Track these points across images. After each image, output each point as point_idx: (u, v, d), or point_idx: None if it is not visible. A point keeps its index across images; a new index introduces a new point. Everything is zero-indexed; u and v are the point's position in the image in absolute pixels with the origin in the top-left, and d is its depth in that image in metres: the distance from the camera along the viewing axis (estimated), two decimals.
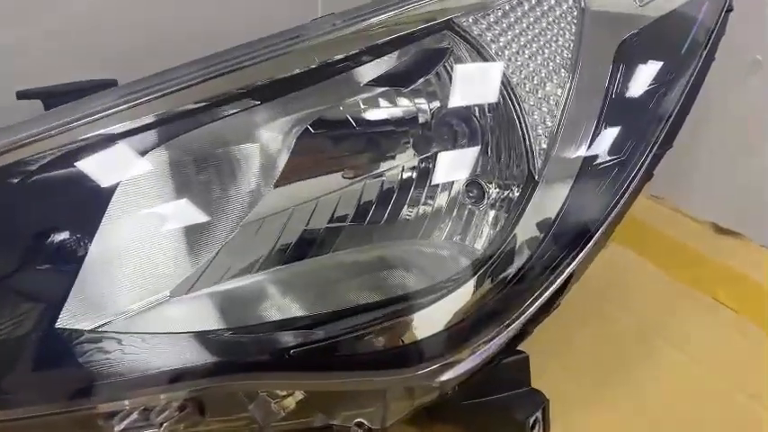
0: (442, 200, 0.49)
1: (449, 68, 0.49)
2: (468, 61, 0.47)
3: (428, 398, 0.46)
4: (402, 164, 0.50)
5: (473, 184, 0.50)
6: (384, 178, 0.50)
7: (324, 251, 0.48)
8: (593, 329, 0.62)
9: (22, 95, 0.57)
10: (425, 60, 0.49)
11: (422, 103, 0.50)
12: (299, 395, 0.42)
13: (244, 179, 0.48)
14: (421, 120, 0.50)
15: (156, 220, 0.46)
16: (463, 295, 0.43)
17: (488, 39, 0.46)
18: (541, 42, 0.47)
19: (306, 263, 0.49)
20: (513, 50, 0.47)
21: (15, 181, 0.42)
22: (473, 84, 0.50)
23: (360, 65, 0.47)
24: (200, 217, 0.46)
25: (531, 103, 0.46)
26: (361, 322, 0.42)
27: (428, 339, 0.40)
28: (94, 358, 0.44)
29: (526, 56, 0.47)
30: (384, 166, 0.50)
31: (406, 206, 0.49)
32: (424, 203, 0.49)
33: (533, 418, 0.48)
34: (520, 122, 0.46)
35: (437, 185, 0.49)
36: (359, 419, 0.43)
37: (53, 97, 0.54)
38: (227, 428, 0.45)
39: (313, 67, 0.46)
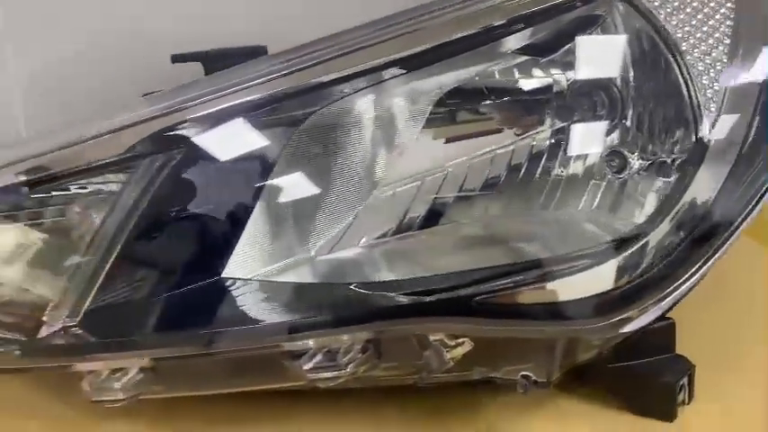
0: (577, 170, 0.51)
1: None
2: (631, 25, 0.49)
3: (587, 355, 0.47)
4: (535, 134, 0.51)
5: (615, 153, 0.52)
6: (515, 148, 0.51)
7: (455, 220, 0.51)
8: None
9: (177, 59, 0.59)
10: (572, 29, 0.50)
11: (558, 72, 0.52)
12: (468, 347, 0.44)
13: (380, 147, 0.50)
14: (557, 89, 0.51)
15: (306, 183, 0.48)
16: (632, 257, 0.45)
17: (657, 3, 0.48)
18: (706, 10, 0.49)
19: (440, 229, 0.51)
20: (682, 17, 0.48)
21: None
22: (614, 53, 0.51)
23: (505, 35, 0.49)
24: (341, 182, 0.49)
25: (701, 68, 0.47)
26: (538, 275, 0.44)
27: (608, 293, 0.42)
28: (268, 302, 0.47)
29: (694, 22, 0.48)
30: (516, 135, 0.51)
31: (538, 176, 0.51)
32: (559, 173, 0.51)
33: (681, 382, 0.49)
34: (687, 89, 0.47)
35: (572, 156, 0.51)
36: (525, 372, 0.45)
37: (212, 61, 0.56)
38: (391, 377, 0.47)
39: (457, 36, 0.48)
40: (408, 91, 0.49)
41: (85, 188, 0.50)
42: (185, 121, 0.45)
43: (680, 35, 0.47)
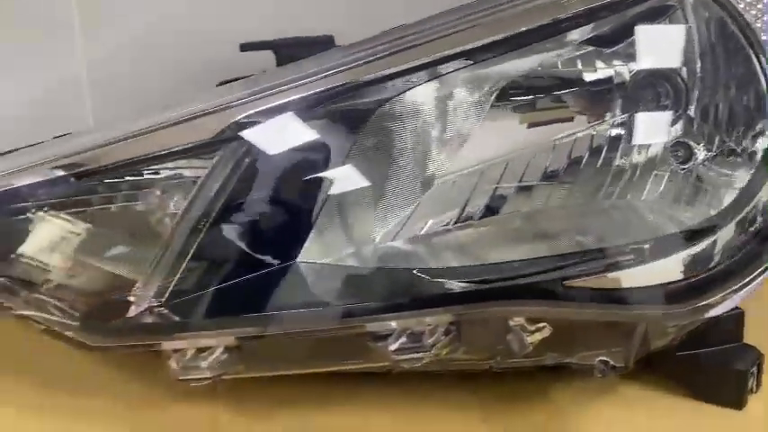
0: (640, 160, 0.51)
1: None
2: (702, 15, 0.49)
3: (662, 342, 0.48)
4: (596, 124, 0.52)
5: (680, 144, 0.52)
6: (576, 138, 0.52)
7: (516, 210, 0.51)
8: None
9: (246, 47, 0.60)
10: (640, 19, 0.51)
11: (621, 64, 0.52)
12: (547, 332, 0.45)
13: (443, 137, 0.51)
14: (620, 80, 0.52)
15: (375, 171, 0.49)
16: (713, 245, 0.46)
17: None
18: None
19: (501, 218, 0.52)
20: (760, 7, 0.48)
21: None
22: (676, 43, 0.52)
23: (571, 28, 0.50)
24: (406, 171, 0.50)
25: None
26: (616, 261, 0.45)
27: (690, 281, 0.43)
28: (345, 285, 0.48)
29: None
30: (578, 126, 0.52)
31: (599, 166, 0.51)
32: (621, 164, 0.51)
33: (751, 370, 0.50)
34: (766, 78, 0.47)
35: (635, 146, 0.51)
36: (603, 358, 0.46)
37: (284, 49, 0.57)
38: (468, 361, 0.48)
39: (524, 29, 0.48)
40: (472, 81, 0.50)
41: (158, 173, 0.52)
42: (268, 110, 0.47)
43: (759, 25, 0.48)
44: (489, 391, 0.51)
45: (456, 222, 0.50)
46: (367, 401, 0.51)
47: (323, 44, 0.59)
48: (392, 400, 0.51)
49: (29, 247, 0.50)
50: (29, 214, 0.50)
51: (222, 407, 0.49)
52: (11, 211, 0.50)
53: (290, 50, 0.57)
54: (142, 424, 0.48)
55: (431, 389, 0.51)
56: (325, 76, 0.46)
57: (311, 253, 0.49)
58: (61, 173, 0.49)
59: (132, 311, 0.45)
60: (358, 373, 0.51)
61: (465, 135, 0.50)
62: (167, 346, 0.45)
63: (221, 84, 0.57)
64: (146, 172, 0.51)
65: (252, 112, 0.46)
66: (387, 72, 0.46)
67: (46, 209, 0.49)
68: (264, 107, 0.46)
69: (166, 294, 0.46)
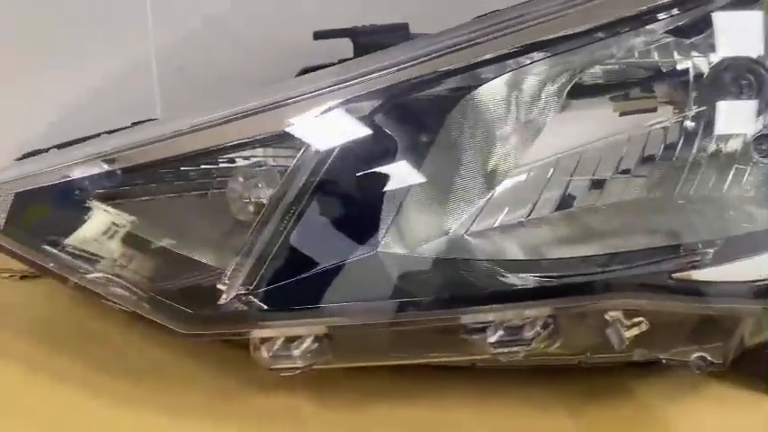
0: (719, 153, 0.50)
1: None
2: None
3: (756, 340, 0.47)
4: (674, 116, 0.51)
5: (763, 138, 0.51)
6: (651, 131, 0.51)
7: (590, 203, 0.50)
8: None
9: (320, 35, 0.59)
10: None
11: (700, 55, 0.51)
12: (644, 326, 0.44)
13: (519, 127, 0.50)
14: (698, 71, 0.51)
15: (455, 162, 0.49)
16: None
17: None
18: None
19: (575, 211, 0.51)
20: None
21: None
22: (758, 32, 0.50)
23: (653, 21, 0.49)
24: (483, 162, 0.49)
25: None
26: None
27: None
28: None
29: None
30: (652, 119, 0.51)
31: (675, 159, 0.50)
32: (698, 157, 0.50)
33: None
34: None
35: (713, 139, 0.50)
36: (700, 354, 0.45)
37: (361, 37, 0.56)
38: (560, 355, 0.47)
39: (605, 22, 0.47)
40: (549, 72, 0.49)
41: (234, 162, 0.52)
42: (355, 98, 0.46)
43: None
44: (572, 387, 0.50)
45: (529, 215, 0.50)
46: (449, 396, 0.50)
47: (398, 31, 0.59)
48: (475, 394, 0.50)
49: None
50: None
51: (304, 399, 0.48)
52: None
53: (366, 38, 0.57)
54: (225, 415, 0.47)
55: (513, 384, 0.50)
56: (413, 65, 0.45)
57: (390, 243, 0.49)
58: (143, 161, 0.49)
59: (222, 299, 0.44)
60: (439, 367, 0.51)
61: (542, 126, 0.50)
62: (257, 334, 0.44)
63: (304, 71, 0.56)
64: (221, 161, 0.51)
65: (340, 100, 0.46)
66: (475, 60, 0.46)
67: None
68: (352, 95, 0.46)
69: (255, 282, 0.45)
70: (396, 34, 0.58)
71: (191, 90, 0.65)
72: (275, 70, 0.65)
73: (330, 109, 0.46)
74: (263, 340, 0.45)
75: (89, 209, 0.50)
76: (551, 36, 0.45)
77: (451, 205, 0.49)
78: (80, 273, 0.49)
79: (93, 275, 0.47)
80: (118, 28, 0.64)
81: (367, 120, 0.46)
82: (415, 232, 0.49)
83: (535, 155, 0.50)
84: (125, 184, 0.50)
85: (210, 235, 0.51)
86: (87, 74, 0.65)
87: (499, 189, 0.49)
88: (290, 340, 0.45)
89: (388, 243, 0.48)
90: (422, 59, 0.45)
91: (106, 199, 0.50)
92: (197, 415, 0.47)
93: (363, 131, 0.46)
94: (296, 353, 0.43)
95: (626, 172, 0.50)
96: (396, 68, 0.45)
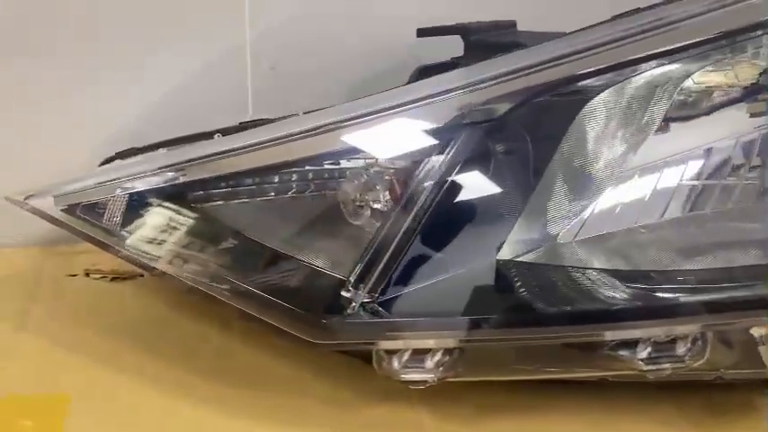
0: None
1: None
2: None
3: None
4: None
5: None
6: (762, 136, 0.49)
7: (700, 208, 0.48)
8: None
9: (423, 33, 0.57)
10: None
11: None
12: None
13: (626, 134, 0.48)
14: None
15: (575, 168, 0.47)
16: None
17: None
18: None
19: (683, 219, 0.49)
20: None
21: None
22: None
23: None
24: (594, 167, 0.47)
25: None
26: None
27: None
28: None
29: None
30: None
31: None
32: None
33: None
34: None
35: None
36: None
37: (469, 34, 0.54)
38: (696, 371, 0.45)
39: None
40: (659, 80, 0.47)
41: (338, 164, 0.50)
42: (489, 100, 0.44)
43: None
44: (695, 401, 0.48)
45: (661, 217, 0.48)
46: (569, 410, 0.48)
47: (507, 28, 0.57)
48: (597, 408, 0.47)
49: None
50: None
51: (426, 411, 0.47)
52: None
53: (477, 36, 0.55)
54: (348, 425, 0.45)
55: (636, 398, 0.48)
56: (553, 66, 0.43)
57: (508, 250, 0.47)
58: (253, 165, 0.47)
59: (350, 309, 0.43)
60: (558, 381, 0.49)
61: (646, 133, 0.48)
62: (384, 346, 0.43)
63: (420, 70, 0.55)
64: (326, 164, 0.49)
65: (472, 103, 0.44)
66: (616, 62, 0.44)
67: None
68: (487, 98, 0.44)
69: (380, 290, 0.44)
70: (505, 31, 0.56)
71: (282, 89, 0.63)
72: (369, 69, 0.65)
73: (461, 113, 0.44)
74: (390, 351, 0.43)
75: (197, 210, 0.49)
76: (697, 39, 0.43)
77: (561, 211, 0.48)
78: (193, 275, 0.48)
79: (206, 279, 0.46)
80: (214, 24, 0.62)
81: (498, 125, 0.45)
82: (527, 238, 0.47)
83: (645, 158, 0.48)
84: (234, 186, 0.49)
85: (319, 238, 0.49)
86: (181, 70, 0.64)
87: (608, 194, 0.48)
88: (419, 351, 0.43)
89: (506, 250, 0.47)
90: (563, 61, 0.43)
91: (209, 200, 0.49)
92: (319, 423, 0.46)
93: (493, 137, 0.45)
94: (428, 365, 0.42)
95: (736, 177, 0.49)
96: (535, 70, 0.43)
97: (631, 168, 0.48)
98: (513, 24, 0.58)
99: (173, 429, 0.46)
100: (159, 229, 0.47)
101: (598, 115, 0.46)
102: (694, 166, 0.48)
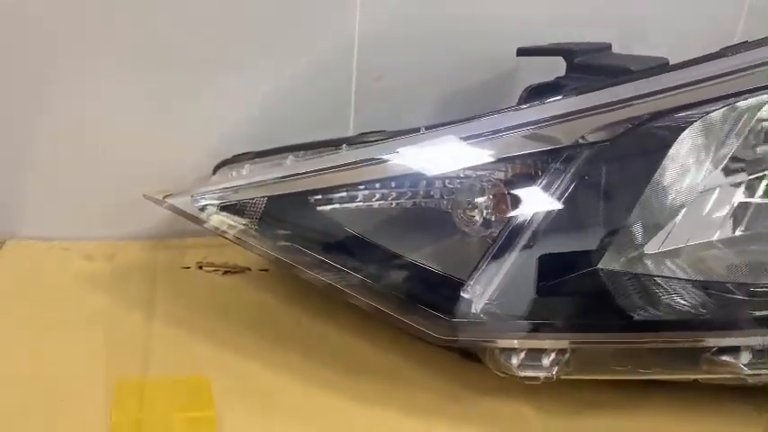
0: None
1: None
2: None
3: None
4: None
5: None
6: None
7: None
8: None
9: (523, 52, 0.61)
10: None
11: None
12: None
13: (709, 155, 0.51)
14: None
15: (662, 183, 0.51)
16: None
17: None
18: None
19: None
20: None
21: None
22: None
23: None
24: (683, 183, 0.51)
25: None
26: None
27: None
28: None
29: None
30: None
31: None
32: None
33: None
34: None
35: None
36: None
37: (572, 56, 0.58)
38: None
39: None
40: (742, 109, 0.50)
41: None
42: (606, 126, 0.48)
43: None
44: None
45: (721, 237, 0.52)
46: (661, 408, 0.51)
47: (604, 50, 0.60)
48: (687, 407, 0.51)
49: None
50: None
51: (527, 402, 0.51)
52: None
53: (580, 58, 0.58)
54: (457, 417, 0.50)
55: (713, 401, 0.51)
56: (671, 96, 0.47)
57: (607, 260, 0.51)
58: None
59: (473, 309, 0.47)
60: (652, 382, 0.53)
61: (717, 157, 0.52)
62: (502, 344, 0.47)
63: (529, 90, 0.59)
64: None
65: (593, 127, 0.48)
66: (730, 92, 0.47)
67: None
68: (604, 123, 0.48)
69: (496, 294, 0.48)
70: (603, 53, 0.60)
71: (384, 101, 0.67)
72: (467, 87, 0.69)
73: (576, 135, 0.48)
74: (506, 349, 0.48)
75: (320, 212, 0.54)
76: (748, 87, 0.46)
77: (651, 224, 0.52)
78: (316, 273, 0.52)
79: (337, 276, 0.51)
80: (323, 33, 0.66)
81: (605, 148, 0.49)
82: (623, 249, 0.51)
83: (722, 179, 0.52)
84: (353, 192, 0.54)
85: (438, 244, 0.54)
86: (287, 76, 0.67)
87: (689, 210, 0.52)
88: (534, 350, 0.47)
89: (606, 260, 0.51)
90: (681, 90, 0.47)
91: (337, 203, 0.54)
92: (432, 415, 0.50)
93: (604, 158, 0.49)
94: (545, 363, 0.46)
95: None
96: (647, 100, 0.47)
97: (711, 187, 0.52)
98: (608, 47, 0.62)
99: (307, 411, 0.50)
100: (289, 229, 0.52)
101: (690, 141, 0.50)
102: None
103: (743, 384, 0.49)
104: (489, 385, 0.52)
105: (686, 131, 0.50)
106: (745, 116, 0.50)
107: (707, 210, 0.53)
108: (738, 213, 0.54)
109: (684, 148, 0.51)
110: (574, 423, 0.50)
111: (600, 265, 0.50)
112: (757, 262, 0.53)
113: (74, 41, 0.63)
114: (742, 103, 0.49)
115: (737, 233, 0.54)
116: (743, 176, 0.54)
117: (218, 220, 0.52)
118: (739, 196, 0.54)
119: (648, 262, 0.53)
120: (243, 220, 0.52)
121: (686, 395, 0.52)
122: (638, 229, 0.52)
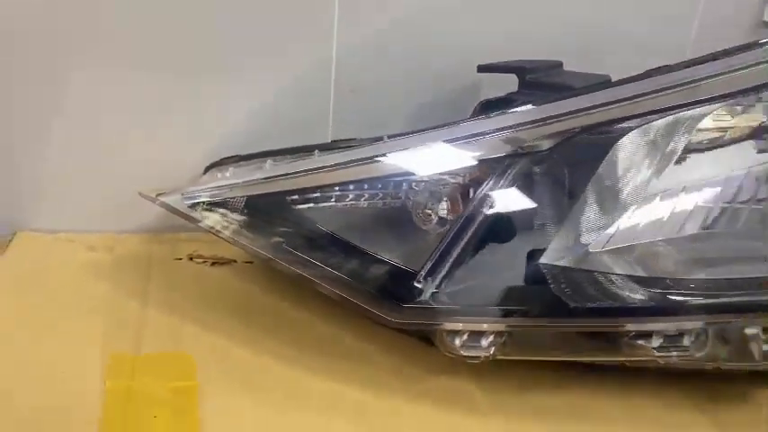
0: None
1: None
2: None
3: None
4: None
5: None
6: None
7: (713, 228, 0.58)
8: None
9: (483, 69, 0.68)
10: None
11: None
12: None
13: (652, 163, 0.57)
14: None
15: (603, 189, 0.57)
16: None
17: None
18: None
19: (701, 235, 0.59)
20: None
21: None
22: None
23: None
24: (622, 190, 0.57)
25: None
26: None
27: None
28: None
29: None
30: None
31: None
32: None
33: None
34: None
35: None
36: None
37: (524, 73, 0.64)
38: (697, 361, 0.54)
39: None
40: (681, 119, 0.56)
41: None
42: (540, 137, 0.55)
43: None
44: (697, 388, 0.59)
45: (677, 234, 0.58)
46: (594, 389, 0.58)
47: (555, 68, 0.67)
48: (617, 389, 0.58)
49: None
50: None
51: (474, 382, 0.58)
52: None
53: (531, 75, 0.65)
54: (413, 393, 0.56)
55: (650, 382, 0.58)
56: (595, 113, 0.54)
57: (549, 255, 0.57)
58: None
59: (424, 296, 0.53)
60: (586, 364, 0.59)
61: (667, 164, 0.58)
62: (448, 327, 0.54)
63: (483, 104, 0.65)
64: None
65: (525, 141, 0.55)
66: (649, 110, 0.54)
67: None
68: (538, 136, 0.54)
69: (445, 283, 0.55)
70: (553, 71, 0.66)
71: (360, 112, 0.75)
72: (434, 99, 0.76)
73: (516, 145, 0.55)
74: (452, 332, 0.54)
75: (296, 211, 0.61)
76: (715, 94, 0.53)
77: (593, 226, 0.58)
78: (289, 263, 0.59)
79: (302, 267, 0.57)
80: (305, 51, 0.73)
81: (545, 155, 0.55)
82: (564, 247, 0.58)
83: (666, 184, 0.58)
84: (326, 192, 0.61)
85: (395, 239, 0.60)
86: (269, 90, 0.75)
87: (633, 213, 0.58)
88: (475, 333, 0.54)
89: (547, 256, 0.57)
90: (604, 108, 0.53)
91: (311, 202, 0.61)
92: (388, 390, 0.56)
93: (542, 165, 0.55)
94: (483, 344, 0.53)
95: (744, 202, 0.58)
96: (581, 114, 0.54)
97: (654, 192, 0.58)
98: (560, 64, 0.68)
99: (278, 384, 0.56)
100: (267, 224, 0.59)
101: (628, 149, 0.56)
102: (708, 192, 0.58)
103: (665, 368, 0.56)
104: (441, 366, 0.59)
105: (623, 141, 0.56)
106: (685, 125, 0.57)
107: (650, 213, 0.59)
108: (677, 217, 0.61)
109: (622, 156, 0.57)
110: (514, 399, 0.57)
111: (542, 260, 0.57)
112: (689, 259, 0.59)
113: (88, 55, 0.71)
114: (681, 115, 0.56)
115: (678, 234, 0.61)
116: (686, 182, 0.61)
117: (203, 215, 0.59)
118: (682, 201, 0.60)
119: (595, 259, 0.59)
120: (227, 217, 0.59)
121: (616, 377, 0.59)
122: (579, 229, 0.59)
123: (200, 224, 0.60)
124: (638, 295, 0.55)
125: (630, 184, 0.58)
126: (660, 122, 0.56)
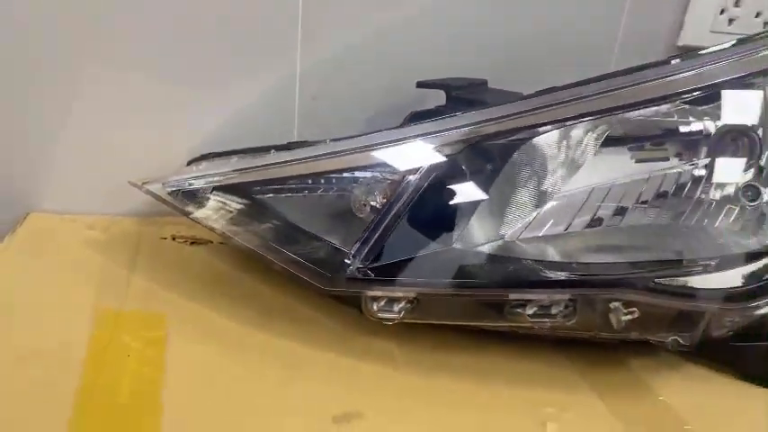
0: (716, 196, 0.69)
1: None
2: None
3: (719, 332, 0.66)
4: (685, 164, 0.69)
5: (750, 186, 0.69)
6: (667, 174, 0.70)
7: (613, 224, 0.70)
8: None
9: (421, 85, 0.80)
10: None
11: (708, 119, 0.69)
12: (636, 314, 0.63)
13: (564, 164, 0.69)
14: (707, 132, 0.69)
15: (514, 185, 0.69)
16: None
17: None
18: None
19: (601, 230, 0.71)
20: None
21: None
22: (752, 106, 0.68)
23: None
24: (535, 187, 0.69)
25: None
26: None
27: (746, 288, 0.61)
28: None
29: None
30: (665, 165, 0.69)
31: (684, 197, 0.69)
32: (701, 197, 0.69)
33: None
34: None
35: (713, 185, 0.69)
36: (674, 337, 0.64)
37: (450, 90, 0.76)
38: (576, 331, 0.66)
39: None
40: (592, 126, 0.68)
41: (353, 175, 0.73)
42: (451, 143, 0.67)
43: None
44: (581, 355, 0.71)
45: (566, 229, 0.70)
46: (495, 351, 0.71)
47: (480, 86, 0.78)
48: (513, 353, 0.71)
49: None
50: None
51: (395, 343, 0.70)
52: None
53: (456, 91, 0.77)
54: (342, 350, 0.69)
55: (540, 349, 0.71)
56: (493, 123, 0.66)
57: (461, 241, 0.69)
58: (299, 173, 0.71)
59: (349, 270, 0.66)
60: (489, 331, 0.71)
61: (581, 164, 0.69)
62: (369, 294, 0.66)
63: (412, 114, 0.77)
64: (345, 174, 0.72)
65: (437, 144, 0.67)
66: (537, 122, 0.66)
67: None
68: (449, 141, 0.66)
69: (369, 259, 0.67)
70: (478, 88, 0.78)
71: (321, 120, 0.87)
72: (384, 108, 0.88)
73: (431, 149, 0.67)
74: (373, 298, 0.66)
75: (257, 200, 0.73)
76: (597, 108, 0.65)
77: (508, 217, 0.70)
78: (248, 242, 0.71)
79: (258, 244, 0.70)
80: (273, 65, 0.86)
81: (456, 157, 0.67)
82: (480, 235, 0.69)
83: (575, 185, 0.70)
84: (281, 185, 0.73)
85: (335, 224, 0.73)
86: (243, 97, 0.88)
87: (545, 208, 0.70)
88: (391, 300, 0.66)
89: (460, 241, 0.69)
90: (500, 120, 0.65)
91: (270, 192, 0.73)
92: (320, 349, 0.69)
93: (452, 166, 0.67)
94: (396, 308, 0.65)
95: (644, 203, 0.70)
96: (481, 125, 0.66)
97: (565, 191, 0.70)
98: (484, 82, 0.80)
99: (236, 340, 0.68)
100: (231, 209, 0.71)
101: (534, 152, 0.68)
102: (612, 193, 0.69)
103: (556, 336, 0.68)
104: (370, 329, 0.71)
105: (524, 148, 0.68)
106: (594, 135, 0.69)
107: (563, 210, 0.71)
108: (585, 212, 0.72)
109: (528, 161, 0.69)
110: (427, 357, 0.70)
111: (455, 245, 0.69)
112: (593, 246, 0.70)
113: (95, 59, 0.84)
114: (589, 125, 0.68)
115: (581, 229, 0.73)
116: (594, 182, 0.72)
117: (179, 201, 0.72)
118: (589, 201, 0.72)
119: (511, 247, 0.71)
120: (197, 202, 0.72)
121: (515, 344, 0.71)
122: (493, 219, 0.71)
123: (176, 209, 0.73)
124: (525, 273, 0.67)
125: (545, 183, 0.70)
126: (571, 130, 0.69)
